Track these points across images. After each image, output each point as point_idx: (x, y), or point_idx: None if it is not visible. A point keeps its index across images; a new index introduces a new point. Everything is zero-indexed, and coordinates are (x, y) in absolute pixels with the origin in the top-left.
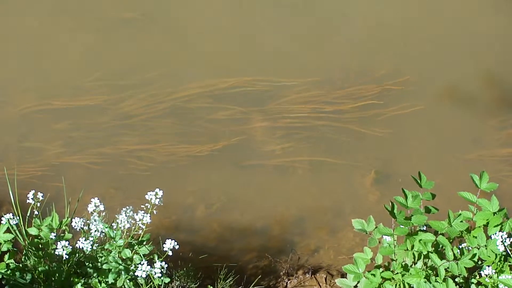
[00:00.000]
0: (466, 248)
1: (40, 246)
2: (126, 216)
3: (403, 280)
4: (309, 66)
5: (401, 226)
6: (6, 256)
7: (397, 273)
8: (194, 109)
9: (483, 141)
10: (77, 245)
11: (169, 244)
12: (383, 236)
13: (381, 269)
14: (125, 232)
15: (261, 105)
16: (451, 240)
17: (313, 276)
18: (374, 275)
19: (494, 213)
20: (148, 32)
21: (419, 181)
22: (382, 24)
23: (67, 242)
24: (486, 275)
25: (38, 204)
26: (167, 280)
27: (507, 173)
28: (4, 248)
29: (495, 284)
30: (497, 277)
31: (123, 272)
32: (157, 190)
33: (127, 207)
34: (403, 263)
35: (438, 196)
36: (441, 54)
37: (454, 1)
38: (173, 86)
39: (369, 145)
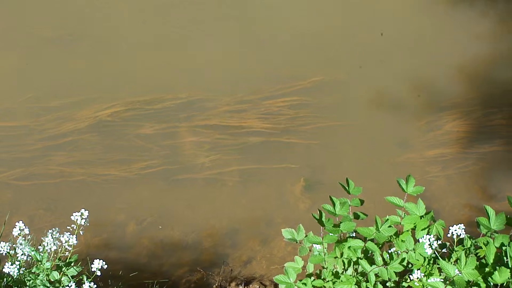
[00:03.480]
0: (395, 252)
1: None
2: (52, 238)
3: (334, 287)
4: (235, 77)
5: (331, 233)
6: None
7: (328, 281)
8: (122, 126)
9: (411, 144)
10: (4, 270)
11: (97, 264)
12: (314, 244)
13: (312, 278)
14: (52, 254)
15: (189, 119)
16: (380, 246)
17: (246, 287)
18: (305, 284)
19: (421, 217)
20: (75, 51)
21: (347, 187)
22: (309, 33)
23: None
24: (416, 279)
25: None
26: None
27: (435, 174)
28: None
29: (425, 287)
30: (426, 280)
31: None
32: (82, 210)
33: (53, 229)
34: (334, 270)
35: (369, 201)
36: (367, 60)
37: (376, 7)
38: (100, 104)
39: (298, 153)
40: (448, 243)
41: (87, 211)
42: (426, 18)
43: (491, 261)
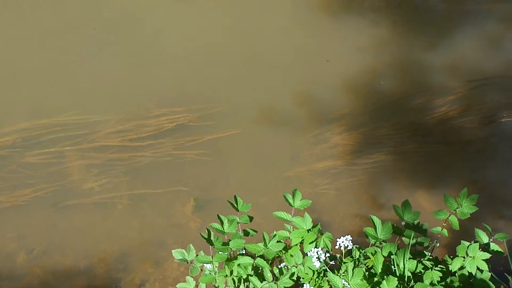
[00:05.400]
0: (285, 267)
1: None
2: None
3: None
4: (120, 98)
5: (220, 252)
6: None
7: None
8: (7, 154)
9: (300, 158)
10: None
11: None
12: (205, 264)
13: None
14: None
15: (75, 144)
16: (270, 261)
17: None
18: None
19: (308, 230)
20: None
21: (235, 205)
22: (193, 51)
23: None
24: None
25: None
26: None
27: (325, 186)
28: None
29: None
30: None
31: None
32: None
33: None
34: None
35: (260, 217)
36: (252, 76)
37: (259, 21)
38: None
39: (187, 173)
40: (338, 255)
41: None
42: (309, 31)
43: (380, 270)
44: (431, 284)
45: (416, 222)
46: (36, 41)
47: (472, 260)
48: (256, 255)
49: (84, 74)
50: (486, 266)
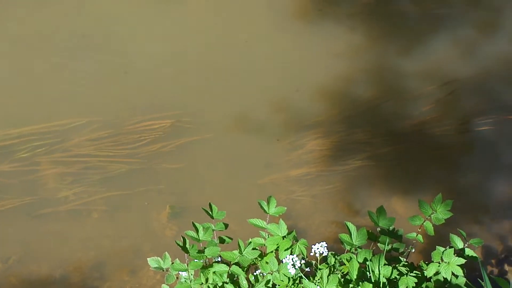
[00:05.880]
0: (261, 274)
1: None
2: None
3: None
4: (93, 107)
5: (196, 260)
6: None
7: None
8: None
9: (275, 165)
10: None
11: None
12: (181, 272)
13: None
14: None
15: (50, 152)
16: (246, 268)
17: None
18: None
19: (284, 237)
20: None
21: (210, 212)
22: (166, 59)
23: None
24: None
25: None
26: None
27: (300, 193)
28: None
29: None
30: None
31: None
32: None
33: None
34: None
35: (235, 224)
36: (226, 84)
37: (234, 28)
38: None
39: (162, 180)
40: (314, 262)
41: None
42: (284, 37)
43: (355, 276)
44: None
45: (391, 228)
46: (6, 50)
47: (447, 265)
48: (232, 263)
49: (56, 82)
50: (461, 271)
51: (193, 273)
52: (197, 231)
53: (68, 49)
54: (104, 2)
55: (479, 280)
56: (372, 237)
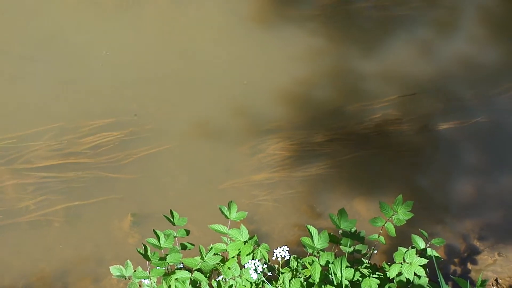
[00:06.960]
0: (223, 280)
1: None
2: None
3: None
4: (50, 116)
5: (158, 267)
6: None
7: None
8: None
9: (236, 169)
10: None
11: None
12: (143, 279)
13: None
14: None
15: (9, 163)
16: (209, 274)
17: None
18: None
19: (245, 242)
20: None
21: (171, 219)
22: (121, 67)
23: None
24: None
25: None
26: None
27: (263, 197)
28: None
29: None
30: None
31: None
32: None
33: None
34: None
35: (198, 230)
36: (184, 90)
37: (189, 33)
38: None
39: (123, 189)
40: (276, 266)
41: None
42: (244, 42)
43: (317, 280)
44: None
45: (353, 230)
46: None
47: (410, 266)
48: (194, 269)
49: (12, 93)
50: (423, 271)
51: (155, 281)
52: (158, 238)
53: (22, 59)
54: (60, 10)
55: (439, 280)
56: (334, 240)
